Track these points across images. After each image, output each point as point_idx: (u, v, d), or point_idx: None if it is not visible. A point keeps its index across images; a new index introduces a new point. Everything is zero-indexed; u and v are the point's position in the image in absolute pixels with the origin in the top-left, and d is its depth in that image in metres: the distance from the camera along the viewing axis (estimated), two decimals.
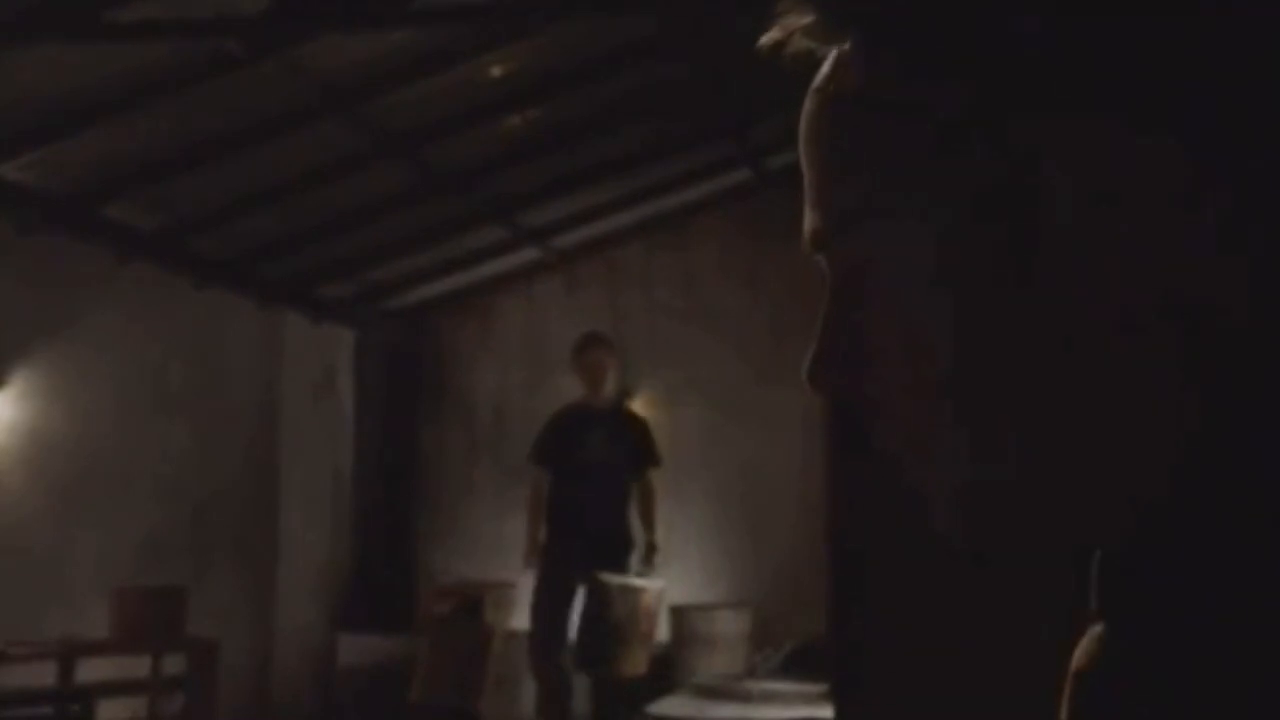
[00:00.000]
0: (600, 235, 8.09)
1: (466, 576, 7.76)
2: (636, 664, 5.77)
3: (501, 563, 7.37)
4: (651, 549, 6.02)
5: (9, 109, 4.84)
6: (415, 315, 8.48)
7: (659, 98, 6.34)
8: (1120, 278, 0.48)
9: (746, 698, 5.07)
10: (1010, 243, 0.50)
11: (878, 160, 0.52)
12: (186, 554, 7.26)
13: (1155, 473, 0.50)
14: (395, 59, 5.16)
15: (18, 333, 7.55)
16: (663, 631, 6.84)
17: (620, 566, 5.83)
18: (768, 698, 4.99)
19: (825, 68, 0.56)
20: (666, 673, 6.63)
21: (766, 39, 0.57)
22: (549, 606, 5.75)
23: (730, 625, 7.08)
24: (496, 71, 5.58)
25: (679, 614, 7.11)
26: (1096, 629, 0.55)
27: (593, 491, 5.88)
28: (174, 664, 6.07)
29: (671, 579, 7.29)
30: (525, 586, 6.28)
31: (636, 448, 6.02)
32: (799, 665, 6.19)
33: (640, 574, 5.93)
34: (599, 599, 5.59)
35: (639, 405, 8.13)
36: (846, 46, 0.55)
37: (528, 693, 6.95)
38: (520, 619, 6.02)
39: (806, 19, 0.55)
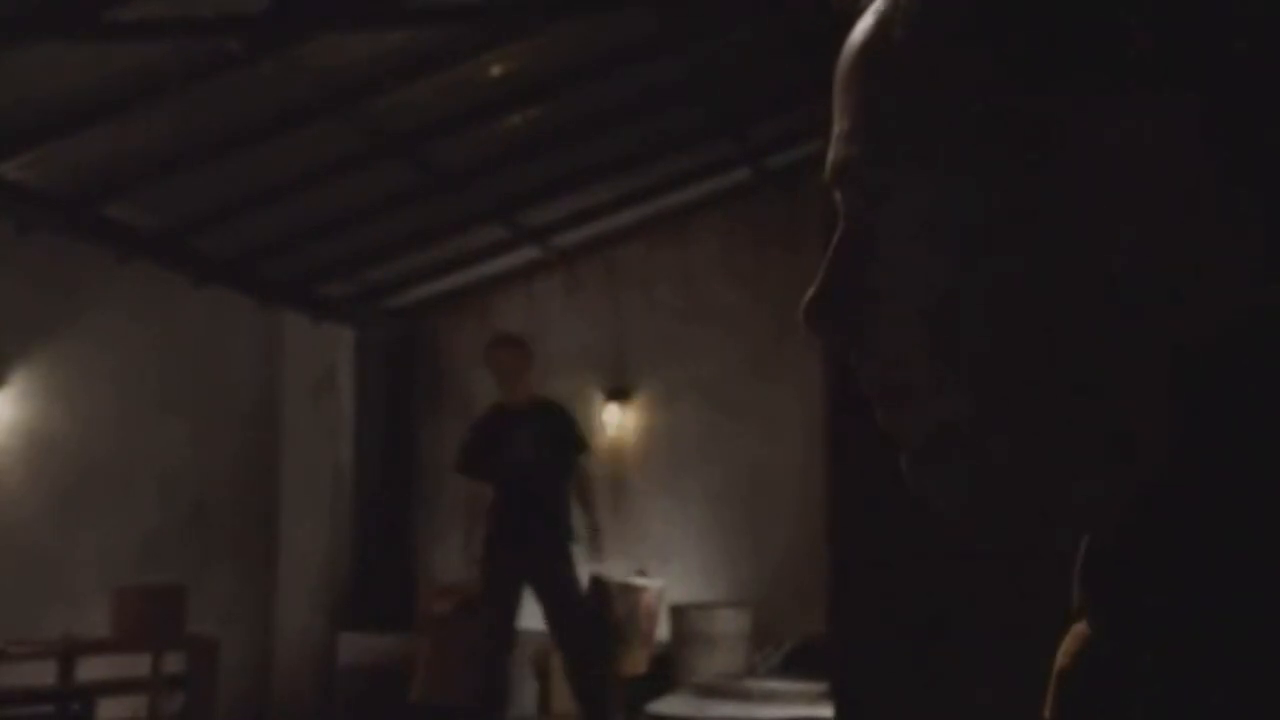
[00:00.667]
0: (600, 234, 8.09)
1: (466, 575, 7.76)
2: (636, 663, 5.77)
3: None
4: (595, 532, 5.92)
5: (9, 108, 4.85)
6: (415, 314, 8.49)
7: (659, 97, 6.34)
8: (1122, 257, 0.49)
9: (746, 696, 5.08)
10: (1028, 204, 0.50)
11: (919, 104, 0.52)
12: (186, 553, 7.27)
13: (1142, 462, 0.50)
14: (395, 58, 5.16)
15: (18, 332, 7.55)
16: (663, 630, 6.84)
17: (564, 559, 5.78)
18: (768, 696, 5.00)
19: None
20: (666, 672, 6.63)
21: None
22: (498, 614, 5.72)
23: (730, 624, 7.08)
24: (496, 70, 5.58)
25: (679, 613, 7.11)
26: (1079, 627, 0.55)
27: (526, 492, 5.80)
28: (174, 663, 6.07)
29: (671, 578, 7.30)
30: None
31: (563, 439, 5.92)
32: (799, 664, 6.20)
33: (590, 560, 5.87)
34: (600, 598, 5.60)
35: (639, 404, 8.14)
36: None
37: (528, 691, 6.96)
38: (521, 618, 6.00)
39: None
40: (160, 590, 6.35)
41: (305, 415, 7.71)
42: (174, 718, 6.00)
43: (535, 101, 6.00)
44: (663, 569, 7.46)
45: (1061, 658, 0.55)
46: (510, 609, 5.74)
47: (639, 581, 6.13)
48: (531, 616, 5.93)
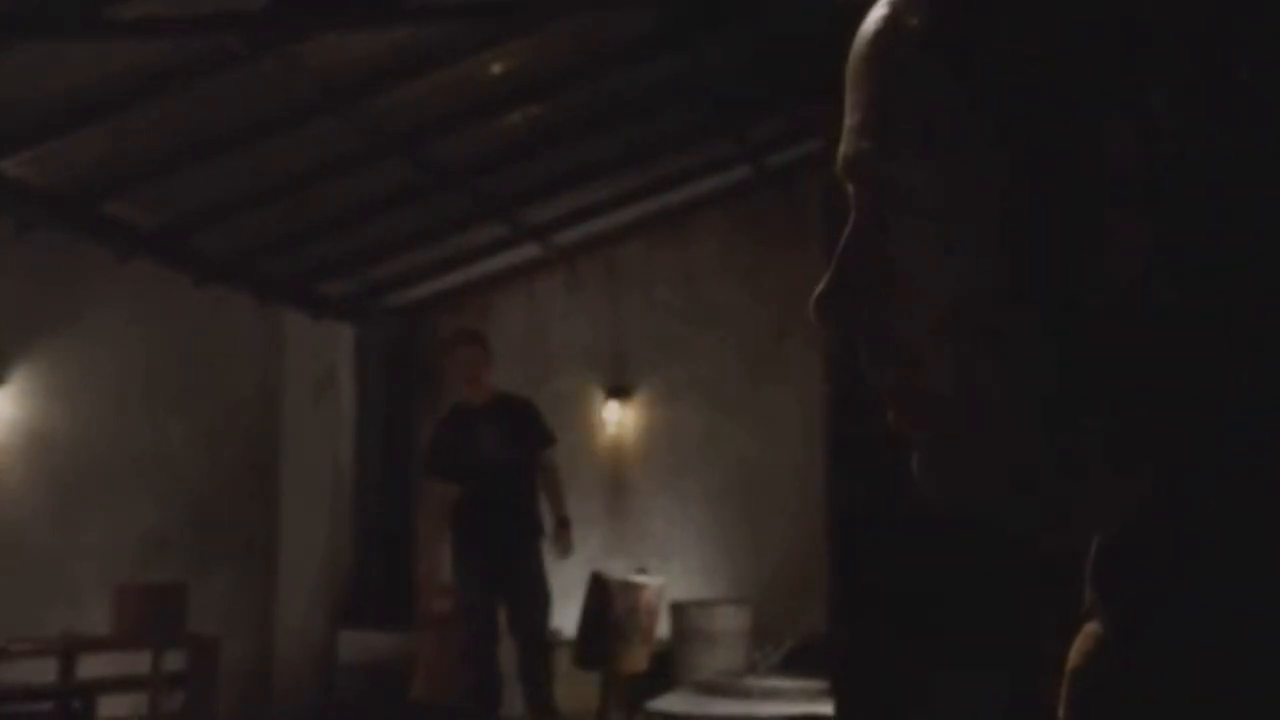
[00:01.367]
0: (600, 232, 8.09)
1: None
2: (637, 661, 5.77)
3: None
4: (562, 524, 5.83)
5: (9, 105, 4.84)
6: (416, 313, 8.49)
7: (659, 95, 6.34)
8: (1131, 257, 0.49)
9: (747, 694, 5.08)
10: (1039, 200, 0.50)
11: (929, 98, 0.52)
12: (187, 551, 7.27)
13: (1152, 461, 0.50)
14: (395, 56, 5.16)
15: (18, 330, 7.55)
16: (663, 628, 6.85)
17: (534, 554, 5.76)
18: (768, 694, 5.00)
19: None
20: (667, 669, 6.63)
21: None
22: (478, 617, 5.71)
23: (730, 621, 7.08)
24: (496, 68, 5.58)
25: (679, 610, 7.11)
26: (1091, 626, 0.55)
27: (493, 490, 5.75)
28: (175, 660, 6.07)
29: (672, 575, 7.30)
30: None
31: (528, 434, 5.86)
32: (799, 661, 6.21)
33: (556, 553, 5.83)
34: (600, 595, 5.60)
35: (639, 402, 8.14)
36: None
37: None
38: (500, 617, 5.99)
39: None
40: (161, 588, 6.35)
41: (305, 413, 7.71)
42: (175, 715, 6.00)
43: (535, 99, 6.00)
44: (663, 566, 7.46)
45: (1074, 656, 0.55)
46: (490, 610, 5.73)
47: (639, 579, 6.12)
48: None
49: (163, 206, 6.06)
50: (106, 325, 7.44)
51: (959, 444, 0.53)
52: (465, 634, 5.79)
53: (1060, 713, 0.55)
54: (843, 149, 0.56)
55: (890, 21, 0.54)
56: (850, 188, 0.56)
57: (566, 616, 6.29)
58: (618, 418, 8.12)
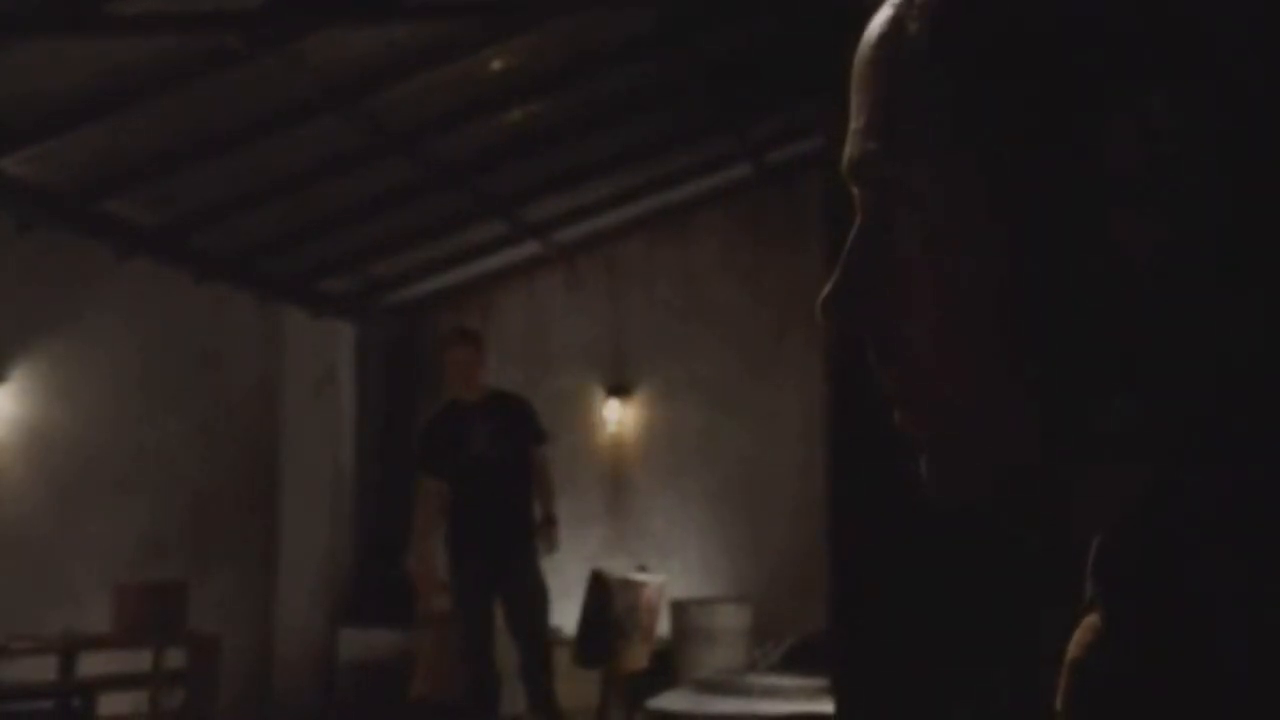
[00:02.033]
0: (601, 230, 8.10)
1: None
2: (637, 658, 5.77)
3: None
4: (549, 522, 5.78)
5: (9, 103, 4.84)
6: (416, 311, 8.49)
7: (659, 93, 6.34)
8: (1136, 257, 0.49)
9: (747, 692, 5.08)
10: (1042, 202, 0.50)
11: (934, 100, 0.52)
12: (187, 549, 7.27)
13: (1154, 458, 0.50)
14: (395, 53, 5.16)
15: (18, 328, 7.55)
16: (663, 626, 6.85)
17: (531, 554, 5.75)
18: (768, 692, 5.00)
19: None
20: (667, 667, 6.63)
21: None
22: (473, 617, 5.70)
23: (731, 620, 7.08)
24: (497, 66, 5.57)
25: (679, 608, 7.11)
26: (1091, 619, 0.55)
27: (487, 489, 5.74)
28: (175, 659, 6.07)
29: (672, 573, 7.30)
30: None
31: (519, 432, 5.82)
32: (799, 660, 6.20)
33: (543, 552, 5.80)
34: (600, 594, 5.59)
35: (639, 400, 8.14)
36: None
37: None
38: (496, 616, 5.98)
39: None
40: (161, 586, 6.35)
41: (306, 411, 7.71)
42: (175, 713, 6.01)
43: (535, 97, 5.99)
44: (663, 564, 7.47)
45: (1073, 649, 0.55)
46: (487, 610, 5.72)
47: (640, 577, 6.12)
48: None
49: (163, 205, 6.06)
50: (106, 323, 7.44)
51: (962, 443, 0.53)
52: (461, 633, 5.78)
53: (1058, 704, 0.55)
54: (848, 151, 0.56)
55: (895, 24, 0.54)
56: (855, 189, 0.56)
57: (566, 614, 6.29)
58: (618, 416, 8.12)
